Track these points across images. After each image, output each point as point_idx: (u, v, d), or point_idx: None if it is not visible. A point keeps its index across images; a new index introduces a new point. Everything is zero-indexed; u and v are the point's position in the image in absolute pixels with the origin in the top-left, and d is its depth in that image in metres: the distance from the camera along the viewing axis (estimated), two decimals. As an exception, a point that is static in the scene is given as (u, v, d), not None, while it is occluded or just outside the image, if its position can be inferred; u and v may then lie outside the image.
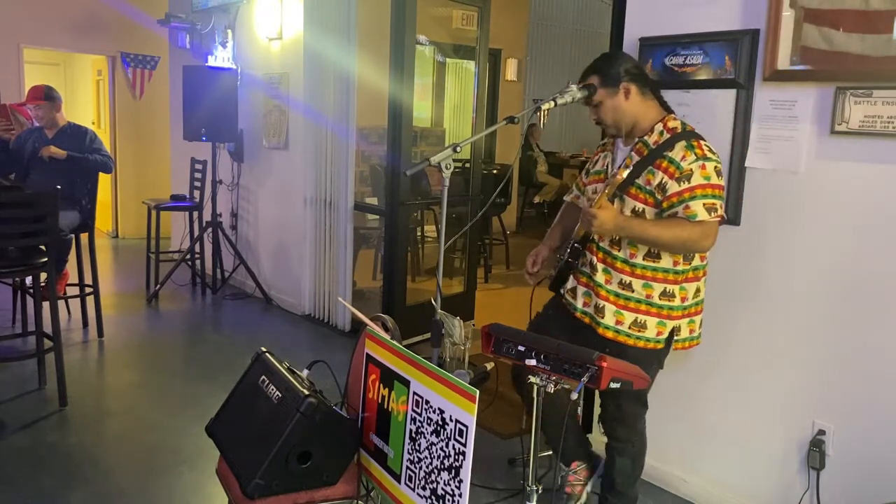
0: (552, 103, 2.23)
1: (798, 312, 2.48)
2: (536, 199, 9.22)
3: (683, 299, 2.26)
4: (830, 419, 2.43)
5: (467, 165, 5.13)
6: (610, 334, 2.27)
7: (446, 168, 2.12)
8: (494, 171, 6.69)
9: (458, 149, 2.14)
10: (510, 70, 8.61)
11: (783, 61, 2.42)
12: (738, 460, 2.68)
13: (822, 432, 2.44)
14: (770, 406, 2.58)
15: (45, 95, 4.61)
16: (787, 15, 2.39)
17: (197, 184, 5.93)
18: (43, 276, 3.58)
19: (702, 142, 2.19)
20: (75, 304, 4.89)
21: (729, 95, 2.57)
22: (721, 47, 2.57)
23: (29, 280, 4.13)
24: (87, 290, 4.68)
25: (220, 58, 5.92)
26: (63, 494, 2.76)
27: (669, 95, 2.72)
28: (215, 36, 5.99)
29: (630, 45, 2.89)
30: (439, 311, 2.26)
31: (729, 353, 2.68)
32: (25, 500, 2.71)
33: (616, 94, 2.24)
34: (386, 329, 2.19)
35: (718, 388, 2.72)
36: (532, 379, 1.95)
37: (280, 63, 5.39)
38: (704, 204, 2.12)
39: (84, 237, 4.62)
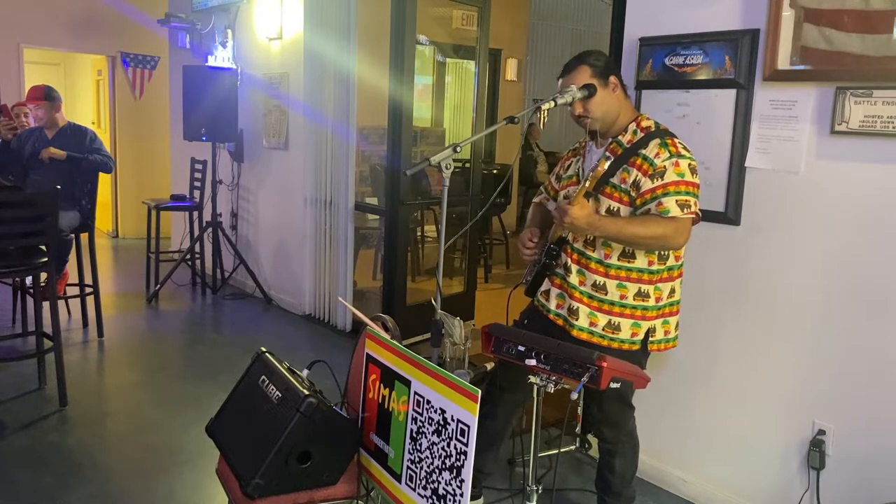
0: (552, 103, 2.23)
1: (798, 312, 2.48)
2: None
3: (658, 299, 2.25)
4: (830, 419, 2.43)
5: (467, 165, 5.13)
6: (584, 336, 2.25)
7: (446, 168, 2.12)
8: (494, 171, 6.69)
9: (458, 149, 2.13)
10: (510, 70, 8.61)
11: (783, 61, 2.42)
12: (739, 460, 2.68)
13: (822, 432, 2.44)
14: (770, 406, 2.58)
15: (45, 95, 4.60)
16: (787, 15, 2.39)
17: (197, 184, 5.93)
18: (43, 276, 3.58)
19: (676, 140, 2.19)
20: (75, 304, 4.89)
21: (729, 95, 2.57)
22: (721, 47, 2.57)
23: (29, 280, 4.14)
24: (87, 290, 4.68)
25: (220, 58, 5.92)
26: (63, 494, 2.76)
27: (669, 95, 2.74)
28: (215, 36, 5.99)
29: (630, 45, 2.89)
30: (439, 311, 2.25)
31: (729, 352, 2.68)
32: (25, 500, 2.71)
33: (606, 86, 2.24)
34: (386, 329, 2.19)
35: (718, 388, 2.73)
36: (532, 379, 1.95)
37: (280, 63, 5.39)
38: (677, 200, 2.10)
39: (84, 237, 4.62)
